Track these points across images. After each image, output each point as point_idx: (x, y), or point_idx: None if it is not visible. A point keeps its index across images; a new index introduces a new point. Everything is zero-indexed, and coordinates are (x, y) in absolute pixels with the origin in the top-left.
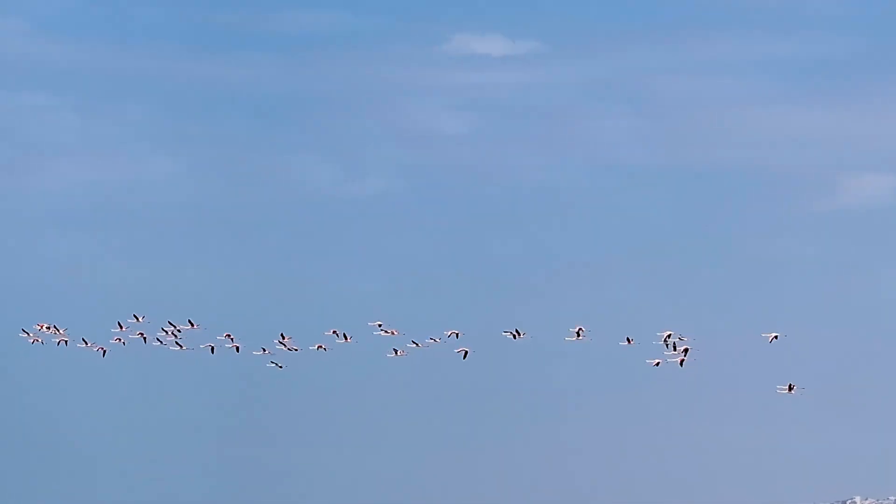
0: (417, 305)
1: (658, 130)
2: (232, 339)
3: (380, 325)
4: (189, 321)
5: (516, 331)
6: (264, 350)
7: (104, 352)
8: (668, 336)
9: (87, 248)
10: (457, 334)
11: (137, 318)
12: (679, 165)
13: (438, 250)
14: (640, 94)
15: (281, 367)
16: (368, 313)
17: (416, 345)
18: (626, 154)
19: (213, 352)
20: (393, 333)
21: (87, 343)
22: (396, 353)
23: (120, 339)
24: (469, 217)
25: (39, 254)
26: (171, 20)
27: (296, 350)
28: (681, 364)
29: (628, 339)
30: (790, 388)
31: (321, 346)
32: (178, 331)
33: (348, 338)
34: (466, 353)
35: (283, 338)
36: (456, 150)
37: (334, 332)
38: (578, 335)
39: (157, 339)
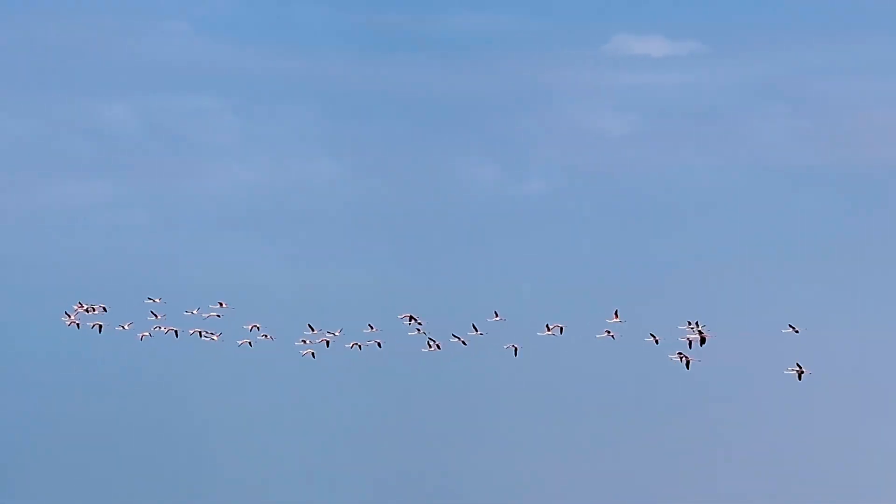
0: (579, 305)
1: (819, 131)
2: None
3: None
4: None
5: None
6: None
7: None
8: (692, 328)
9: (249, 249)
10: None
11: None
12: (842, 166)
13: (599, 250)
14: (801, 94)
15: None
16: (529, 312)
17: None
18: (787, 154)
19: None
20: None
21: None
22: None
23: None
24: (630, 217)
25: (202, 255)
26: (333, 21)
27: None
28: (699, 344)
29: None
30: (799, 372)
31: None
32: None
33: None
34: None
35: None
36: (616, 150)
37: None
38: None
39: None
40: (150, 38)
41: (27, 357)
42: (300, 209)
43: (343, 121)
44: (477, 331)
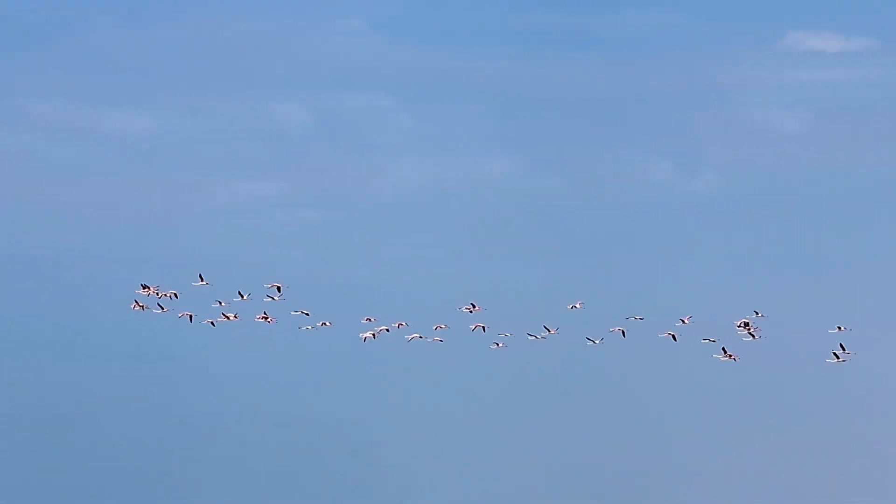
0: (754, 301)
1: None
2: (549, 331)
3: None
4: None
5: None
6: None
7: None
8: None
9: (419, 247)
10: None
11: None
12: None
13: (772, 247)
14: None
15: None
16: (702, 308)
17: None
18: None
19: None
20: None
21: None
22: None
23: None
24: (802, 214)
25: (374, 252)
26: (506, 19)
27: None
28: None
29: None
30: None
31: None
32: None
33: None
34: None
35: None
36: (789, 147)
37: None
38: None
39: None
40: (324, 36)
41: (206, 355)
42: (470, 207)
43: (514, 118)
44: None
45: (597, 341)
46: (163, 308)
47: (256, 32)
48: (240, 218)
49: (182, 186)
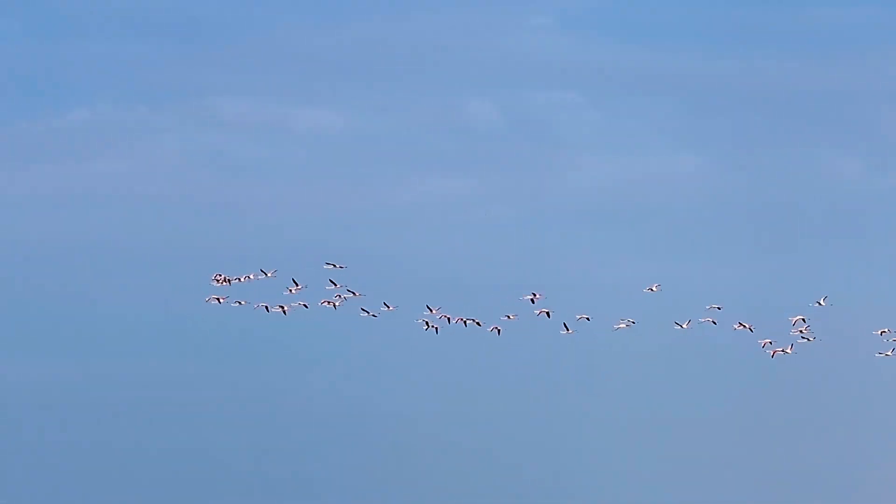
0: None
1: None
2: (748, 328)
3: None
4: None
5: None
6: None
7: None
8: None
9: (609, 243)
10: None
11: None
12: None
13: None
14: None
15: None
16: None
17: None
18: None
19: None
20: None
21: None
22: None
23: (625, 322)
24: None
25: (564, 249)
26: (694, 16)
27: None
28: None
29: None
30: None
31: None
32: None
33: None
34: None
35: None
36: None
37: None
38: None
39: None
40: (515, 33)
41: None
42: (660, 203)
43: (703, 115)
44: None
45: (786, 349)
46: (240, 302)
47: (447, 30)
48: (430, 215)
49: (372, 184)
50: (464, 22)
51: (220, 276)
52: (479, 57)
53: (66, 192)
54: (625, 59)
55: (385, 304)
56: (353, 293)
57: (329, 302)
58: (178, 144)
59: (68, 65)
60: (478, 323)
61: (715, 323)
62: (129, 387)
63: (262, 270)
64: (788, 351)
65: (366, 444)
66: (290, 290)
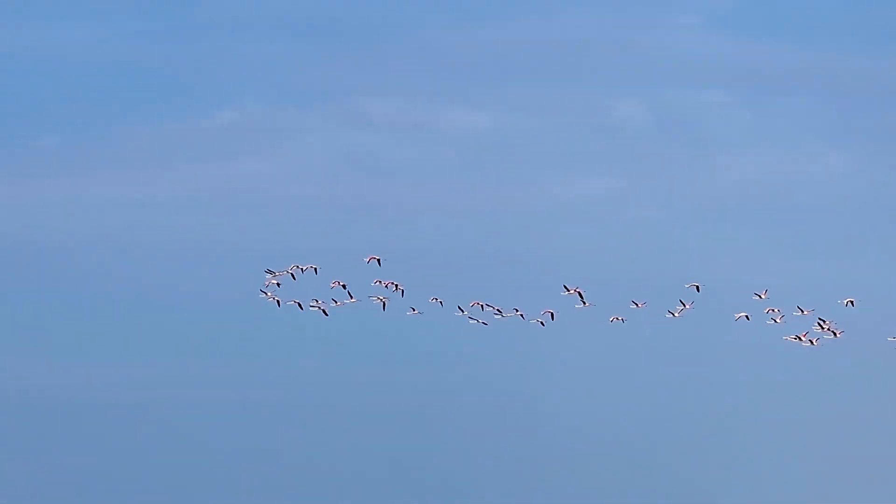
0: None
1: None
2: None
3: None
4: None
5: None
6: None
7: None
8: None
9: (758, 243)
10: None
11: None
12: None
13: None
14: None
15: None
16: None
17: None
18: None
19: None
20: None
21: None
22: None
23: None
24: None
25: (712, 248)
26: (844, 15)
27: None
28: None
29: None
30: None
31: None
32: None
33: None
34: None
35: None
36: None
37: None
38: None
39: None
40: (662, 33)
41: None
42: (808, 202)
43: (852, 113)
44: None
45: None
46: (279, 302)
47: (594, 30)
48: (578, 215)
49: (520, 184)
50: (611, 22)
51: (272, 271)
52: (626, 56)
53: (211, 192)
54: (773, 58)
55: (436, 299)
56: (397, 285)
57: (379, 298)
58: (325, 145)
59: (217, 65)
60: (522, 315)
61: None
62: (281, 388)
63: (297, 266)
64: (808, 340)
65: (526, 443)
66: (333, 286)
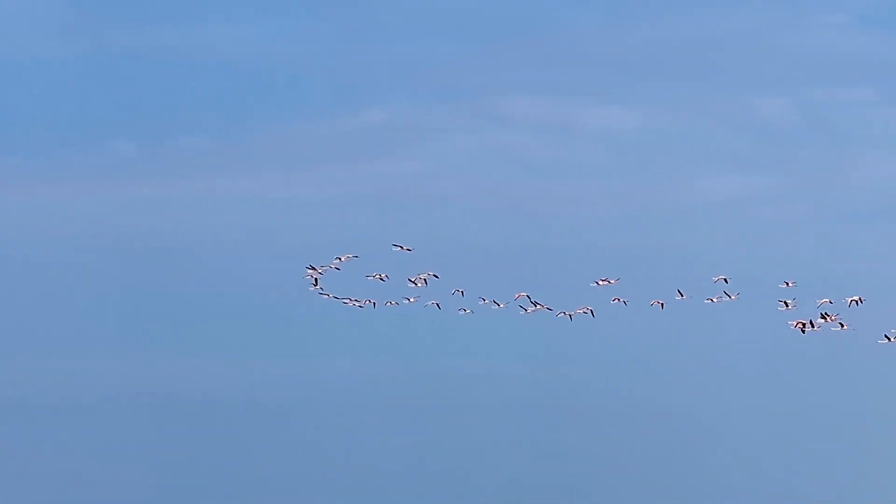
0: None
1: None
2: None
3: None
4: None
5: None
6: None
7: None
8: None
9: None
10: None
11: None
12: None
13: None
14: None
15: None
16: None
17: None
18: None
19: None
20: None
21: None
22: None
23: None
24: None
25: (863, 247)
26: None
27: None
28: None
29: None
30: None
31: None
32: None
33: None
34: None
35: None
36: None
37: None
38: None
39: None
40: (809, 31)
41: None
42: None
43: None
44: None
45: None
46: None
47: (740, 28)
48: (724, 213)
49: (666, 182)
50: (757, 20)
51: (312, 267)
52: (772, 54)
53: (358, 191)
54: None
55: (482, 298)
56: (435, 275)
57: (414, 281)
58: (473, 144)
59: (367, 65)
60: (549, 308)
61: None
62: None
63: (338, 258)
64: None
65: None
66: (375, 277)
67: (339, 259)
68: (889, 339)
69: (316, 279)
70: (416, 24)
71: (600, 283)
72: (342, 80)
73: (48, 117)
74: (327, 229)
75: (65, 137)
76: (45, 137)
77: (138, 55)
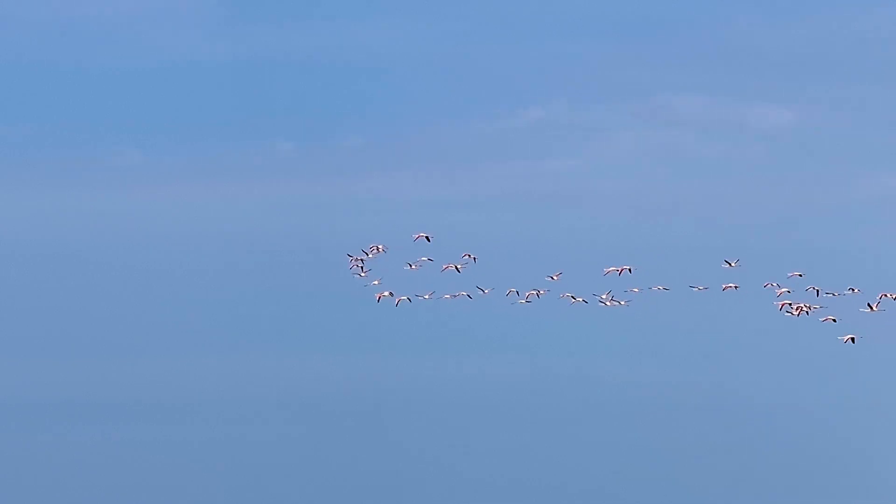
0: None
1: None
2: None
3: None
4: None
5: None
6: None
7: None
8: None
9: None
10: None
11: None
12: None
13: None
14: None
15: None
16: None
17: None
18: None
19: None
20: None
21: None
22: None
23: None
24: None
25: None
26: None
27: None
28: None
29: None
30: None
31: None
32: None
33: None
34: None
35: None
36: None
37: None
38: None
39: None
40: None
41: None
42: None
43: None
44: None
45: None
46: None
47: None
48: (885, 212)
49: (826, 180)
50: None
51: (353, 256)
52: None
53: (517, 191)
54: None
55: (515, 290)
56: (472, 258)
57: (451, 266)
58: (632, 143)
59: (526, 64)
60: (585, 301)
61: None
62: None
63: (375, 247)
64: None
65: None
66: (411, 266)
67: (377, 249)
68: None
69: (361, 268)
70: (576, 24)
71: (610, 271)
72: (501, 79)
73: (207, 117)
74: (487, 228)
75: (224, 137)
76: (204, 137)
77: (289, 57)
